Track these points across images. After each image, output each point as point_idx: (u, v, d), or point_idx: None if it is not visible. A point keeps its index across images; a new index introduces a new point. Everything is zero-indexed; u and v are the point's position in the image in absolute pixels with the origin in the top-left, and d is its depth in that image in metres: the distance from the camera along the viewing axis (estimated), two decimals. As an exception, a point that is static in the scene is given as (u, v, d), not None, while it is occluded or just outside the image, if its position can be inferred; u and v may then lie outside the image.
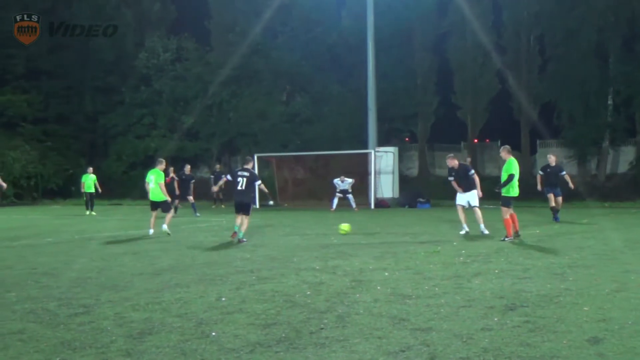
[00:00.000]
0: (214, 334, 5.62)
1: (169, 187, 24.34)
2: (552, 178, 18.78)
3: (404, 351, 5.01)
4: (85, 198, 26.30)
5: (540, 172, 19.42)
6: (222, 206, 29.02)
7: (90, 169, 26.98)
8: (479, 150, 42.35)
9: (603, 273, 8.66)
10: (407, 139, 43.51)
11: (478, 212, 14.82)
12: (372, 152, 30.22)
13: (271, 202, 31.27)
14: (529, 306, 6.58)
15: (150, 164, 40.20)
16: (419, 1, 37.19)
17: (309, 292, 7.50)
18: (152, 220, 15.83)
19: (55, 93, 40.62)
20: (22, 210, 29.44)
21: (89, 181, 25.99)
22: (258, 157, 31.09)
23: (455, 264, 9.79)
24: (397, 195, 31.06)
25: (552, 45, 34.76)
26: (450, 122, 41.80)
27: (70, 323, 6.11)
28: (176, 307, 6.80)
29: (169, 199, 16.15)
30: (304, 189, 33.62)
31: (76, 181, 28.34)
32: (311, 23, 39.25)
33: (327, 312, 6.41)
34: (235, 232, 13.97)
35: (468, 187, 14.86)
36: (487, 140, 45.46)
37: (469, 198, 14.87)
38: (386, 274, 8.86)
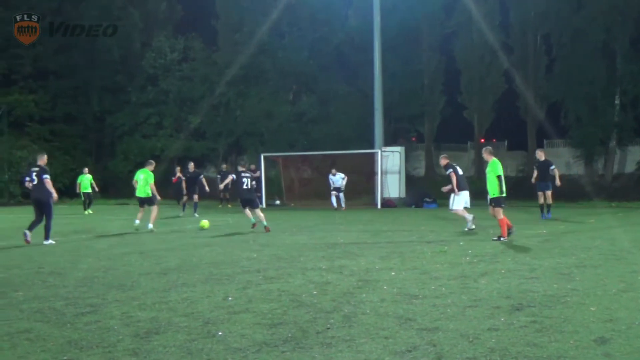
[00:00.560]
0: (220, 333, 5.62)
1: (176, 186, 24.53)
2: (542, 173, 19.46)
3: (410, 351, 5.00)
4: (82, 198, 26.82)
5: (536, 167, 20.13)
6: (229, 206, 29.06)
7: (86, 170, 27.52)
8: (486, 150, 42.19)
9: (610, 273, 8.63)
10: (413, 138, 43.48)
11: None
12: (379, 151, 30.18)
13: (277, 202, 31.39)
14: (536, 306, 6.56)
15: (157, 163, 40.41)
16: (426, 1, 37.16)
17: (315, 292, 7.50)
18: (140, 214, 17.27)
19: (62, 93, 40.80)
20: (29, 210, 29.43)
21: (85, 181, 26.51)
22: (264, 157, 31.16)
23: (462, 263, 9.77)
24: (403, 195, 31.02)
25: (559, 44, 34.66)
26: (456, 122, 41.73)
27: (77, 322, 6.13)
28: (183, 306, 6.81)
29: (158, 197, 17.50)
30: (310, 189, 33.62)
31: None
32: (318, 23, 39.30)
33: (333, 312, 6.41)
34: (254, 224, 16.18)
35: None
36: (494, 140, 45.40)
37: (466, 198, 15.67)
38: (393, 273, 8.86)
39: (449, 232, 15.48)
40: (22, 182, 14.82)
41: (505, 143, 44.43)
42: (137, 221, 16.96)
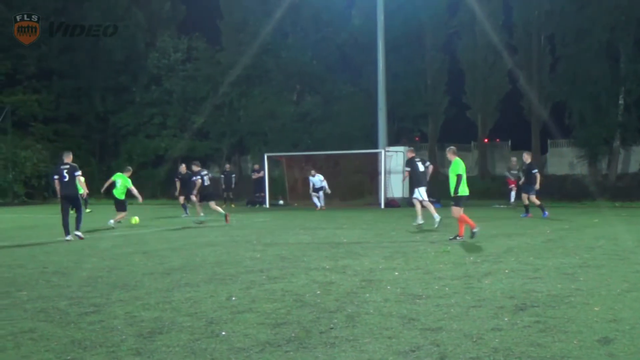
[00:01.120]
0: (224, 333, 5.63)
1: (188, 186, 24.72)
2: (526, 175, 20.34)
3: (414, 351, 5.00)
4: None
5: (522, 170, 21.19)
6: (232, 205, 29.07)
7: (79, 172, 27.60)
8: (489, 150, 42.24)
9: (614, 273, 8.62)
10: (417, 138, 43.42)
11: (419, 205, 16.64)
12: (382, 151, 30.15)
13: (281, 202, 31.40)
14: (540, 306, 6.56)
15: (160, 163, 40.42)
16: (429, 1, 37.12)
17: (318, 292, 7.50)
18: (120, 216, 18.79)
19: (66, 93, 40.88)
20: (33, 210, 29.59)
21: (78, 183, 26.54)
22: (268, 157, 31.17)
23: (466, 263, 9.77)
24: (407, 194, 30.95)
25: (562, 44, 34.53)
26: (460, 122, 41.65)
27: (81, 322, 6.14)
28: (186, 306, 6.82)
29: (140, 198, 19.27)
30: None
31: (88, 181, 28.52)
32: (321, 23, 39.32)
33: (337, 312, 6.42)
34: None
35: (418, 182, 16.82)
36: (498, 140, 45.35)
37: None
38: (396, 273, 8.85)
39: (453, 232, 15.44)
40: (52, 179, 15.53)
41: (509, 143, 44.37)
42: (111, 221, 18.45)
